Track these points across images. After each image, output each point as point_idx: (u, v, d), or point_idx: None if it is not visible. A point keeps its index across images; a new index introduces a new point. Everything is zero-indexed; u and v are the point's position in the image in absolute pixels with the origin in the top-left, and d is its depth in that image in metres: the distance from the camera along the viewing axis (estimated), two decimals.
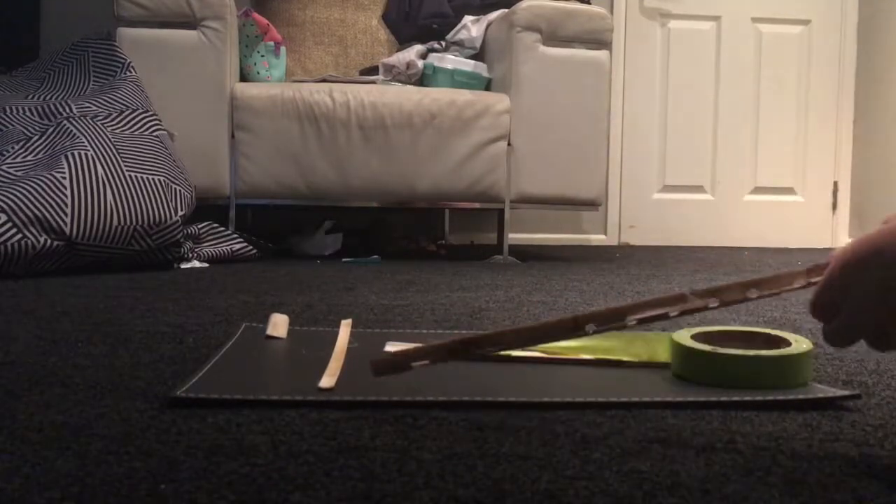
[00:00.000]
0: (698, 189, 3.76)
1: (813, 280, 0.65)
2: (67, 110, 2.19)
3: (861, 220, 3.78)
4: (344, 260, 2.47)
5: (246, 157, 2.48)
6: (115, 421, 0.68)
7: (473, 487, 0.54)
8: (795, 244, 3.79)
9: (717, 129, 3.75)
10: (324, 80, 2.69)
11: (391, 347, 1.01)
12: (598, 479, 0.56)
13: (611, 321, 0.71)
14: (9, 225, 1.84)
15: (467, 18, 2.86)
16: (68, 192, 1.94)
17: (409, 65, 2.74)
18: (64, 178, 1.96)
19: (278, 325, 1.08)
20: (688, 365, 0.84)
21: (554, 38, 2.60)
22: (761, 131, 3.78)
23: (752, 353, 0.81)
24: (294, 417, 0.70)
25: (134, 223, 2.00)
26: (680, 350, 0.85)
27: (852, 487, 0.55)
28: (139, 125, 2.22)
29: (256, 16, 2.65)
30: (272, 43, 2.66)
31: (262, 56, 2.65)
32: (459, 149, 2.54)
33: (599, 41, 2.63)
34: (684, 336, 0.87)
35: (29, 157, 2.06)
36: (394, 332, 1.13)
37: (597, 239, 3.69)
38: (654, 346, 0.90)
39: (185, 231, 2.20)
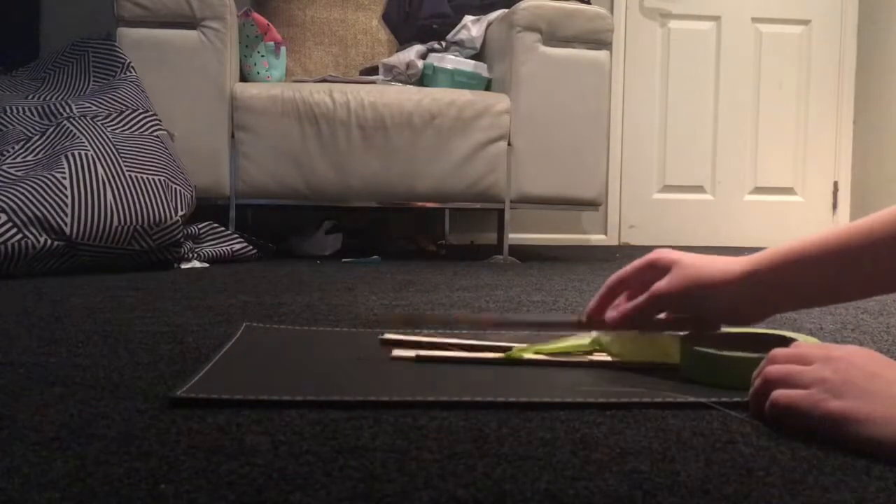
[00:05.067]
0: (698, 189, 3.76)
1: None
2: (67, 110, 2.19)
3: None
4: (344, 260, 2.47)
5: (246, 157, 2.48)
6: (115, 421, 0.68)
7: (473, 487, 0.54)
8: None
9: (717, 129, 3.75)
10: (324, 80, 2.69)
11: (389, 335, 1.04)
12: (598, 479, 0.56)
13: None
14: (9, 225, 1.84)
15: (467, 18, 2.86)
16: (68, 192, 1.94)
17: (409, 65, 2.74)
18: (64, 178, 1.96)
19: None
20: (695, 367, 0.85)
21: (554, 38, 2.60)
22: (761, 131, 3.78)
23: (756, 355, 0.81)
24: (294, 417, 0.70)
25: (134, 223, 2.00)
26: (687, 352, 0.86)
27: (852, 487, 0.55)
28: (139, 125, 2.22)
29: (256, 16, 2.65)
30: (272, 43, 2.66)
31: (262, 56, 2.65)
32: (459, 149, 2.54)
33: (599, 41, 2.63)
34: (694, 338, 0.87)
35: (29, 157, 2.06)
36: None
37: (597, 239, 3.69)
38: (665, 347, 0.90)
39: (186, 231, 2.20)
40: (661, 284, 0.85)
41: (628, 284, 0.90)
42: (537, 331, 1.01)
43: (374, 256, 2.51)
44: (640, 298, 0.87)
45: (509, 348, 0.94)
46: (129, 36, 2.44)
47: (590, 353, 0.93)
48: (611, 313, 0.91)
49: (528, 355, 0.92)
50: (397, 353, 0.95)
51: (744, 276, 0.81)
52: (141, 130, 2.22)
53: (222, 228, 2.39)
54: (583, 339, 0.95)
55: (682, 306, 0.87)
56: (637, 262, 0.89)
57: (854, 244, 0.75)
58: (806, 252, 0.78)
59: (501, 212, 2.65)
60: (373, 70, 2.87)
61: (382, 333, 1.05)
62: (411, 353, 0.94)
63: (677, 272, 0.85)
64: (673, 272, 0.85)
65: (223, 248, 2.31)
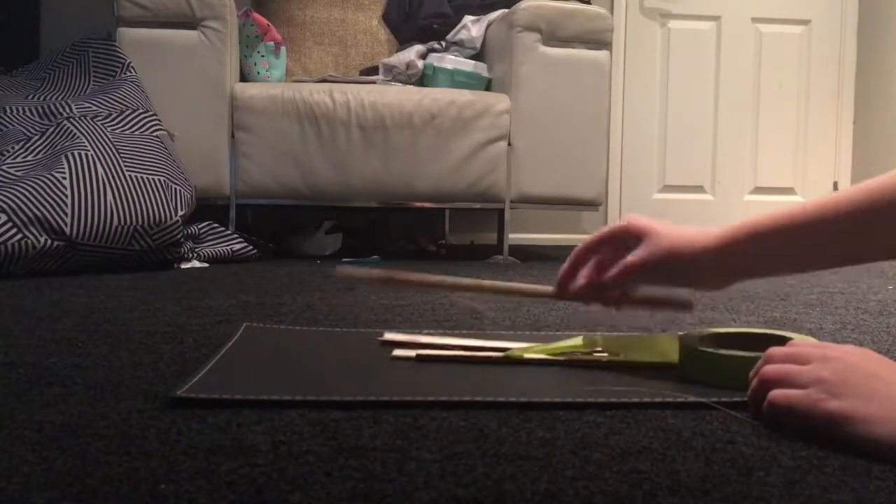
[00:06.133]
0: (698, 189, 3.76)
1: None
2: (67, 110, 2.19)
3: None
4: (344, 260, 2.47)
5: (246, 157, 2.48)
6: (115, 421, 0.68)
7: (473, 487, 0.54)
8: None
9: (717, 129, 3.75)
10: (324, 80, 2.69)
11: (389, 336, 1.04)
12: (598, 479, 0.56)
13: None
14: (9, 225, 1.84)
15: (467, 18, 2.86)
16: (68, 192, 1.94)
17: (409, 65, 2.74)
18: (64, 178, 1.96)
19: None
20: (694, 367, 0.85)
21: (554, 38, 2.60)
22: (761, 131, 3.78)
23: (753, 354, 0.81)
24: (294, 417, 0.70)
25: (134, 223, 2.00)
26: (686, 352, 0.86)
27: (852, 487, 0.55)
28: (139, 125, 2.22)
29: (256, 16, 2.65)
30: (272, 43, 2.66)
31: (262, 56, 2.65)
32: (459, 149, 2.54)
33: (599, 41, 2.63)
34: (692, 338, 0.87)
35: (29, 157, 2.06)
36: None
37: None
38: (665, 347, 0.90)
39: (185, 231, 2.20)
40: (634, 258, 0.85)
41: (598, 251, 0.90)
42: (506, 296, 1.03)
43: (374, 256, 2.52)
44: (613, 272, 0.87)
45: (509, 348, 0.94)
46: (129, 36, 2.44)
47: (590, 353, 0.93)
48: (579, 282, 0.90)
49: (528, 355, 0.92)
50: (397, 353, 0.95)
51: (716, 248, 0.82)
52: (141, 130, 2.22)
53: (222, 228, 2.39)
54: (581, 339, 0.95)
55: (652, 277, 0.87)
56: (607, 230, 0.88)
57: (823, 220, 0.78)
58: (776, 227, 0.80)
59: (501, 212, 2.65)
60: (373, 70, 2.87)
61: (382, 334, 1.05)
62: (411, 353, 0.94)
63: (650, 244, 0.84)
64: (645, 244, 0.84)
65: (223, 248, 2.31)
